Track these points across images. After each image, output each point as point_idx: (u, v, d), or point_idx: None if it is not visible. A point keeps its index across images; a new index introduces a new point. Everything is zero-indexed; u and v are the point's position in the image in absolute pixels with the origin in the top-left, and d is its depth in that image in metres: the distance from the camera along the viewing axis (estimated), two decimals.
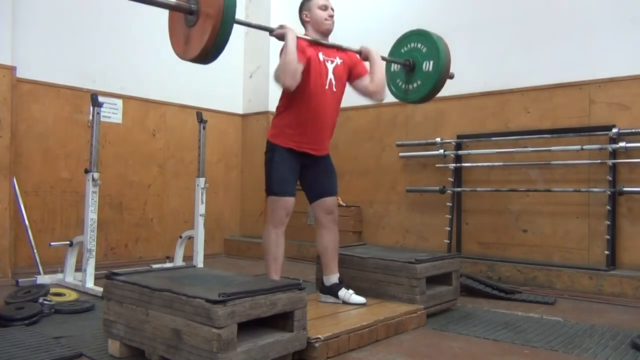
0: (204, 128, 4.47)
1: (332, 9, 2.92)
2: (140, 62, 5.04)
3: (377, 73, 2.91)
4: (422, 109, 4.86)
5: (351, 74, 2.96)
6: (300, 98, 2.77)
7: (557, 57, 4.13)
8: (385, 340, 2.53)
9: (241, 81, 6.10)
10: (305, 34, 2.88)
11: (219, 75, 5.82)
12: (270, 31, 2.67)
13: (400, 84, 3.24)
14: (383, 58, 3.10)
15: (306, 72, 2.72)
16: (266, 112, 5.85)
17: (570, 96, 4.06)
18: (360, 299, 2.86)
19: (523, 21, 4.33)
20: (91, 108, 3.74)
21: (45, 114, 4.36)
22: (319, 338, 2.21)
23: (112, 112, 4.78)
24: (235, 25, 2.21)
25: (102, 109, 3.79)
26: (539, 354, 2.36)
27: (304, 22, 2.94)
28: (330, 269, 2.97)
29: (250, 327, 2.03)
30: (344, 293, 2.89)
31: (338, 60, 2.91)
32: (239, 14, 6.10)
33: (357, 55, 2.97)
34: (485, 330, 2.73)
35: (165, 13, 2.45)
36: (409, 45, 3.21)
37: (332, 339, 2.27)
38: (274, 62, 6.23)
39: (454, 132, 4.63)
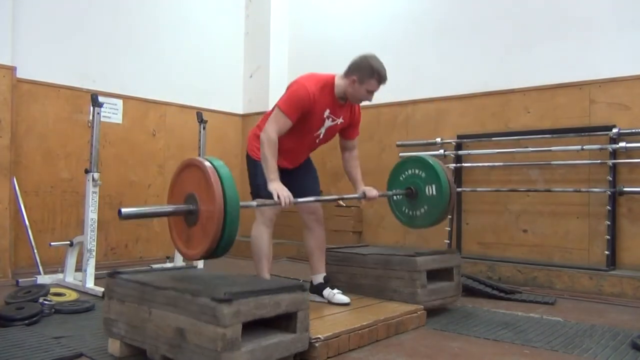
0: (204, 128, 4.47)
1: (373, 95, 2.80)
2: (140, 62, 5.05)
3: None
4: (422, 109, 4.87)
5: (343, 130, 2.94)
6: (286, 137, 2.73)
7: (558, 57, 4.13)
8: (385, 340, 2.53)
9: (241, 81, 6.10)
10: (337, 79, 2.76)
11: (219, 75, 5.83)
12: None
13: (405, 210, 3.22)
14: (385, 194, 3.11)
15: (302, 121, 2.71)
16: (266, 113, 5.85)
17: (571, 96, 4.07)
18: (344, 299, 2.85)
19: (523, 21, 4.33)
20: (91, 108, 3.74)
21: (45, 114, 4.35)
22: (319, 338, 2.21)
23: (112, 112, 4.78)
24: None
25: (102, 109, 3.78)
26: (539, 354, 2.36)
27: (348, 76, 2.73)
28: (316, 269, 2.99)
29: (252, 327, 2.02)
30: (328, 292, 2.90)
31: (339, 121, 2.85)
32: (239, 14, 6.14)
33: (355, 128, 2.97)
34: (485, 330, 2.73)
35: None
36: (407, 172, 3.18)
37: (332, 339, 2.27)
38: (274, 62, 6.27)
39: (454, 132, 4.63)
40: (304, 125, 2.74)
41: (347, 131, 2.96)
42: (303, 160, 2.99)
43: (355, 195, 2.91)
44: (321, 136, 2.85)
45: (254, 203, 2.50)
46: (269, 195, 2.62)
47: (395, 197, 3.24)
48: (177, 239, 2.20)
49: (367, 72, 2.69)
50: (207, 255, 2.08)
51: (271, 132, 2.64)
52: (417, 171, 3.13)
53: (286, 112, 2.66)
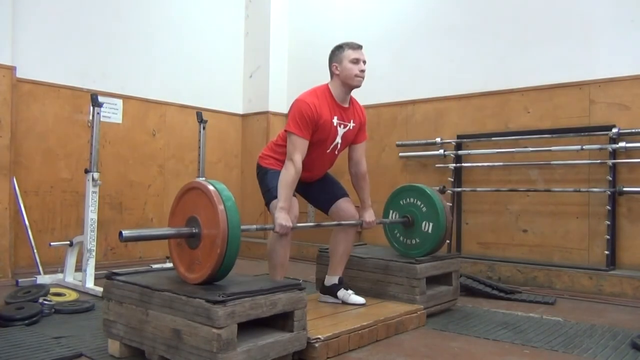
0: (204, 128, 4.47)
1: (364, 62, 2.77)
2: (140, 62, 5.05)
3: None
4: (422, 109, 4.87)
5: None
6: (308, 154, 2.70)
7: (558, 57, 4.13)
8: (385, 340, 2.53)
9: (241, 81, 6.10)
10: (328, 88, 2.78)
11: (219, 75, 5.83)
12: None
13: (398, 236, 3.24)
14: (382, 221, 3.13)
15: (315, 136, 2.69)
16: (266, 112, 5.85)
17: (571, 96, 4.06)
18: (360, 300, 2.85)
19: (523, 21, 4.33)
20: (91, 108, 3.75)
21: (45, 114, 4.36)
22: (319, 338, 2.21)
23: (112, 112, 4.78)
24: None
25: (102, 109, 3.79)
26: (539, 354, 2.36)
27: (332, 74, 2.78)
28: (334, 270, 2.97)
29: (250, 327, 2.03)
30: (343, 293, 2.89)
31: (351, 125, 2.83)
32: (239, 14, 6.13)
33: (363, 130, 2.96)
34: (485, 330, 2.73)
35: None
36: (408, 200, 3.19)
37: (332, 339, 2.27)
38: (274, 62, 6.27)
39: (454, 132, 4.63)
40: (320, 138, 2.72)
41: (358, 135, 2.94)
42: (324, 172, 2.99)
43: (354, 222, 2.89)
44: (339, 146, 2.83)
45: (254, 227, 2.50)
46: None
47: (390, 218, 3.25)
48: (178, 263, 2.20)
49: (338, 51, 2.77)
50: (208, 280, 2.07)
51: (297, 160, 2.61)
52: (419, 203, 3.14)
53: (298, 133, 2.63)
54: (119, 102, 4.85)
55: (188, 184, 2.18)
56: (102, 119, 3.86)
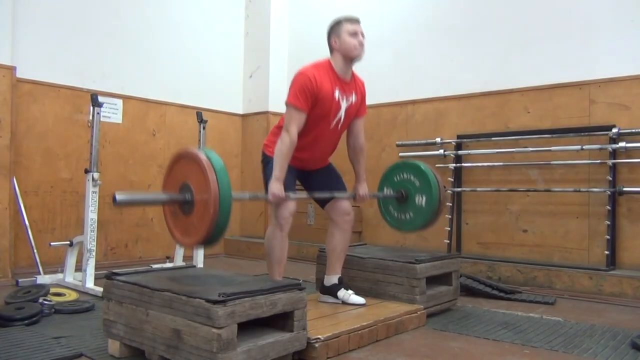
0: (204, 128, 4.47)
1: (363, 35, 2.81)
2: (140, 62, 5.05)
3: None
4: (422, 109, 4.87)
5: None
6: (303, 132, 2.72)
7: (557, 57, 4.13)
8: (385, 340, 2.53)
9: (241, 81, 6.10)
10: (329, 62, 2.80)
11: (219, 75, 5.83)
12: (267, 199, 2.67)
13: (392, 211, 3.23)
14: (376, 195, 3.17)
15: (316, 109, 2.70)
16: (266, 112, 5.85)
17: (570, 96, 4.06)
18: (360, 300, 2.85)
19: (523, 21, 4.33)
20: (91, 108, 3.74)
21: (45, 114, 4.36)
22: (319, 338, 2.21)
23: (112, 112, 4.78)
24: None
25: (102, 109, 3.79)
26: (539, 354, 2.36)
27: (331, 48, 2.81)
28: (333, 269, 2.96)
29: (250, 327, 2.03)
30: (343, 293, 2.88)
31: (353, 98, 2.84)
32: (239, 14, 6.13)
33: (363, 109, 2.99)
34: (485, 330, 2.73)
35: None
36: (402, 175, 3.19)
37: (332, 339, 2.27)
38: (274, 62, 6.27)
39: (454, 132, 4.63)
40: (322, 112, 2.73)
41: (358, 110, 2.95)
42: (326, 159, 2.98)
43: (347, 194, 2.93)
44: (342, 121, 2.83)
45: (247, 195, 2.55)
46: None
47: (385, 192, 3.25)
48: (175, 230, 2.23)
49: (336, 25, 2.82)
50: (204, 242, 2.10)
51: (292, 131, 2.64)
52: (412, 177, 3.14)
53: (297, 104, 2.65)
54: (119, 102, 4.85)
55: (178, 152, 2.23)
56: (102, 119, 3.86)
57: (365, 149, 3.04)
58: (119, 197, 1.97)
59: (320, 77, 2.69)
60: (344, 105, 2.79)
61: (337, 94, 2.75)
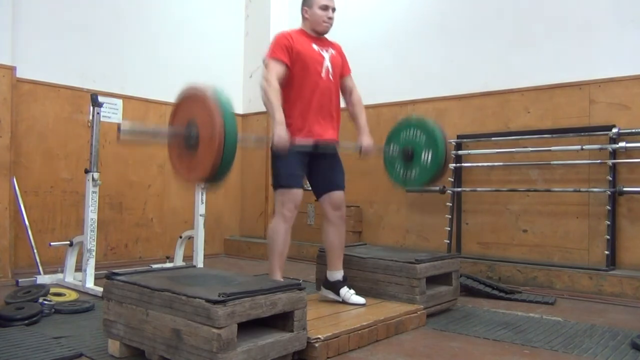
0: None
1: (334, 10, 2.91)
2: (140, 62, 5.05)
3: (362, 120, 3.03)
4: (422, 109, 4.86)
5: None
6: (298, 87, 2.79)
7: (558, 57, 4.13)
8: (385, 340, 2.53)
9: (241, 81, 6.10)
10: (301, 28, 2.94)
11: (219, 75, 5.82)
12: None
13: (398, 169, 3.18)
14: (380, 147, 3.13)
15: (299, 61, 2.78)
16: (266, 112, 5.84)
17: (570, 96, 4.06)
18: (360, 300, 2.85)
19: (523, 21, 4.33)
20: (91, 108, 3.74)
21: (45, 114, 4.36)
22: (319, 338, 2.21)
23: (112, 112, 4.78)
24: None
25: (102, 109, 3.78)
26: (539, 354, 2.36)
27: (302, 17, 2.96)
28: (334, 265, 2.97)
29: (250, 327, 2.03)
30: (345, 292, 2.89)
31: (333, 51, 2.96)
32: (239, 14, 6.13)
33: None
34: (485, 330, 2.73)
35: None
36: (408, 132, 3.14)
37: (332, 339, 2.27)
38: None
39: (454, 132, 4.62)
40: (305, 63, 2.80)
41: (343, 68, 3.02)
42: (331, 124, 2.93)
43: (351, 145, 2.96)
44: (330, 70, 2.88)
45: (253, 137, 2.61)
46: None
47: (391, 152, 3.20)
48: (180, 168, 2.26)
49: None
50: (209, 178, 2.13)
51: (270, 78, 2.71)
52: (418, 133, 3.09)
53: (273, 55, 2.76)
54: (119, 102, 4.85)
55: (185, 89, 2.26)
56: (102, 119, 3.85)
57: (362, 101, 3.07)
58: (124, 126, 1.99)
59: (295, 34, 2.85)
60: (326, 55, 2.89)
61: (315, 46, 2.87)
